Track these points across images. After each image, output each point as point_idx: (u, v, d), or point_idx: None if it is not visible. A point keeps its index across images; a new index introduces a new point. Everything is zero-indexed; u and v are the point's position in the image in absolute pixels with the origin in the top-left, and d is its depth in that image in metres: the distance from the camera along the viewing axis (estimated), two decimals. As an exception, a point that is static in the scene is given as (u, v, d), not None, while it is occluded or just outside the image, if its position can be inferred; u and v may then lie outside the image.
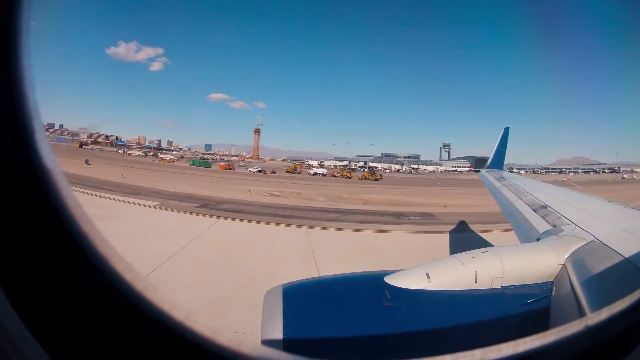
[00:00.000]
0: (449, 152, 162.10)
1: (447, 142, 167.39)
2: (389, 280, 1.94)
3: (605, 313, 0.75)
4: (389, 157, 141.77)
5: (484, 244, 11.13)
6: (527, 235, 3.37)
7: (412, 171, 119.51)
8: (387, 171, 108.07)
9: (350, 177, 62.34)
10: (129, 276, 0.58)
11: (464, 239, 14.71)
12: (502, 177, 7.14)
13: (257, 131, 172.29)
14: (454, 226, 16.63)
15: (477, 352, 0.62)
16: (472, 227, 16.44)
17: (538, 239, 2.83)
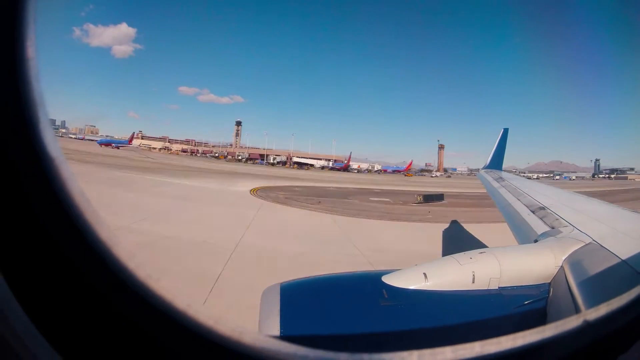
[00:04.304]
0: (598, 166, 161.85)
1: (598, 157, 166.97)
2: (387, 279, 1.95)
3: (603, 309, 0.76)
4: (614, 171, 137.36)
5: (478, 243, 11.15)
6: (525, 236, 3.38)
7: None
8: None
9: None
10: (131, 264, 0.58)
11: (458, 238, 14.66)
12: (501, 178, 7.15)
13: (442, 147, 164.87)
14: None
15: (476, 345, 0.63)
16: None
17: (536, 241, 2.84)
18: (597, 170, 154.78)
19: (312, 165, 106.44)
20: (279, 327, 1.59)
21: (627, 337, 0.79)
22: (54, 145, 0.58)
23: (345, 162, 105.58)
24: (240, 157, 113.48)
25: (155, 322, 0.58)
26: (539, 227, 3.33)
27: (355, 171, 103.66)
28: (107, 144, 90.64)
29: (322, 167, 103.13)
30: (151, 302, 0.58)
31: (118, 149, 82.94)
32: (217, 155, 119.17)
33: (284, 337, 1.56)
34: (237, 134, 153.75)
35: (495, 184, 6.59)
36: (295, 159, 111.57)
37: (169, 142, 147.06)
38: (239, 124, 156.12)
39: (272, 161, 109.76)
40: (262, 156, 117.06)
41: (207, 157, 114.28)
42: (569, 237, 2.56)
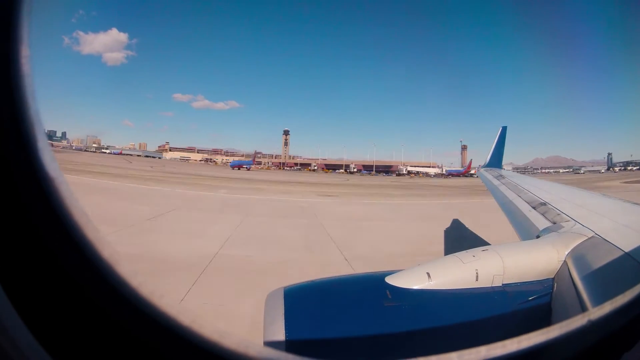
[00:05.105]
0: (611, 159, 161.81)
1: (609, 152, 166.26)
2: (390, 280, 1.95)
3: (607, 307, 0.76)
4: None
5: (480, 241, 11.11)
6: (527, 232, 3.37)
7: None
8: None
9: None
10: (134, 282, 0.58)
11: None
12: (501, 176, 7.16)
13: (464, 147, 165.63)
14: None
15: (482, 349, 0.63)
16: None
17: (538, 236, 2.84)
18: (610, 164, 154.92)
19: (426, 173, 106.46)
20: (284, 332, 1.59)
21: (631, 335, 0.78)
22: (53, 165, 0.58)
23: (466, 167, 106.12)
24: (354, 169, 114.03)
25: (158, 337, 0.58)
26: (541, 222, 3.32)
27: (476, 176, 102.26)
28: (239, 165, 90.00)
29: (435, 174, 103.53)
30: (154, 318, 0.58)
31: (248, 169, 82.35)
32: (314, 167, 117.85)
33: (289, 341, 1.55)
34: (285, 143, 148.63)
35: (496, 182, 6.59)
36: (408, 168, 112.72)
37: (197, 152, 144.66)
38: (286, 133, 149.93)
39: (404, 172, 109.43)
40: (364, 167, 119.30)
41: (289, 169, 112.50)
42: (571, 232, 2.55)
